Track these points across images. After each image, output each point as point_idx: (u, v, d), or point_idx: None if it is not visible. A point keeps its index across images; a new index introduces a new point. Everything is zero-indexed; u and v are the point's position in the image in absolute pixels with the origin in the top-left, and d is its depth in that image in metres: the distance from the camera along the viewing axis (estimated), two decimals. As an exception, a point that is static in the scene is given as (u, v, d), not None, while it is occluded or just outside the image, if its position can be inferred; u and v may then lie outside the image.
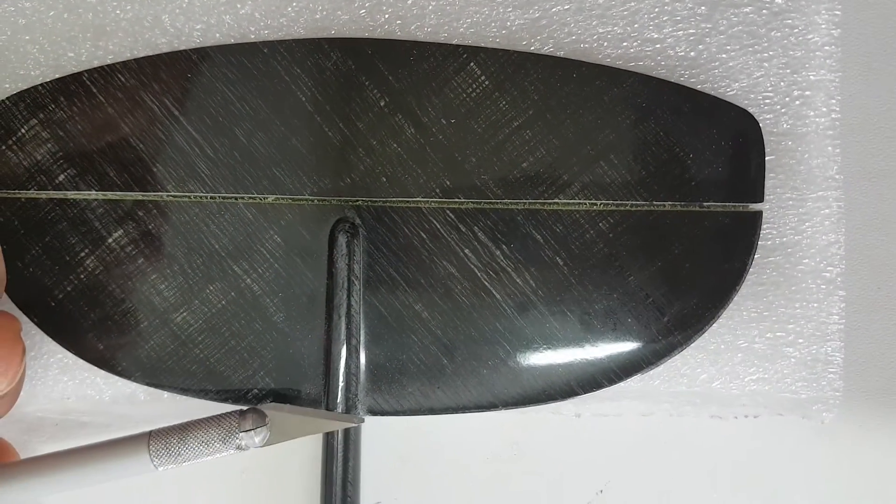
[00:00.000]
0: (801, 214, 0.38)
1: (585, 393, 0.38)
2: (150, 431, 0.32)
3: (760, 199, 0.39)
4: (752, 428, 0.40)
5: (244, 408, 0.33)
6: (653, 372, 0.38)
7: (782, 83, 0.38)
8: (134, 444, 0.31)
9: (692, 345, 0.38)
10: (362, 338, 0.38)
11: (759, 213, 0.39)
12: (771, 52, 0.38)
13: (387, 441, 0.41)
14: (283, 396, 0.40)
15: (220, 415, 0.33)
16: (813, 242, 0.38)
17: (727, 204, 0.39)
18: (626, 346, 0.39)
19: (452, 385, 0.39)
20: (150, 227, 0.38)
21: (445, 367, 0.39)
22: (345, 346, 0.39)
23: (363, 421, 0.35)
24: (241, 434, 0.32)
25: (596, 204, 0.39)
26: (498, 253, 0.39)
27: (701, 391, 0.38)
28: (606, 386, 0.39)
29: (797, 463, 0.40)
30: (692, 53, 0.38)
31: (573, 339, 0.39)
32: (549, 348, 0.39)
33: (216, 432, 0.32)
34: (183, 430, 0.32)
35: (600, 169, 0.39)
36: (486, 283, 0.39)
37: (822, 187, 0.38)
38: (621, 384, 0.38)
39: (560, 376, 0.39)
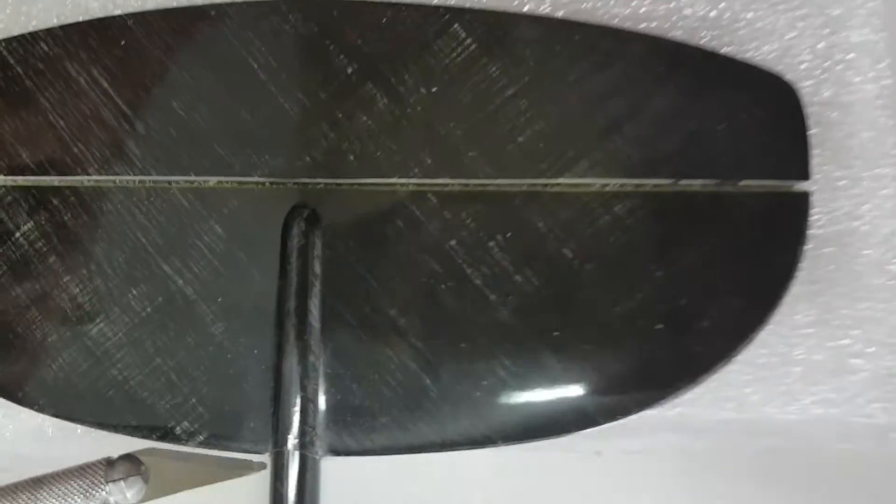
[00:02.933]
0: (856, 196, 0.33)
1: (607, 422, 0.31)
2: None
3: (806, 177, 0.32)
4: (817, 462, 0.34)
5: (113, 456, 0.29)
6: (690, 395, 0.32)
7: (820, 45, 0.34)
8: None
9: (737, 358, 0.31)
10: (322, 354, 0.31)
11: (806, 194, 0.32)
12: (805, 10, 0.34)
13: (352, 490, 0.32)
14: (221, 430, 0.31)
15: (84, 464, 0.28)
16: (874, 230, 0.33)
17: (768, 182, 0.31)
18: (656, 362, 0.31)
19: (438, 413, 0.32)
20: (65, 218, 0.33)
21: (429, 390, 0.31)
22: (300, 364, 0.31)
23: (262, 467, 0.30)
24: (108, 487, 0.28)
25: (609, 184, 0.32)
26: (492, 245, 0.32)
27: (752, 417, 0.32)
28: (633, 413, 0.31)
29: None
30: (713, 13, 0.34)
31: (589, 353, 0.31)
32: (560, 364, 0.31)
33: (77, 485, 0.28)
34: (35, 486, 0.28)
35: (612, 143, 0.32)
36: (478, 283, 0.31)
37: (878, 164, 0.33)
38: (652, 411, 0.31)
39: (574, 401, 0.31)
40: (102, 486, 0.28)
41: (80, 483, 0.28)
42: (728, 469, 0.34)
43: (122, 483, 0.28)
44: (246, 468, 0.30)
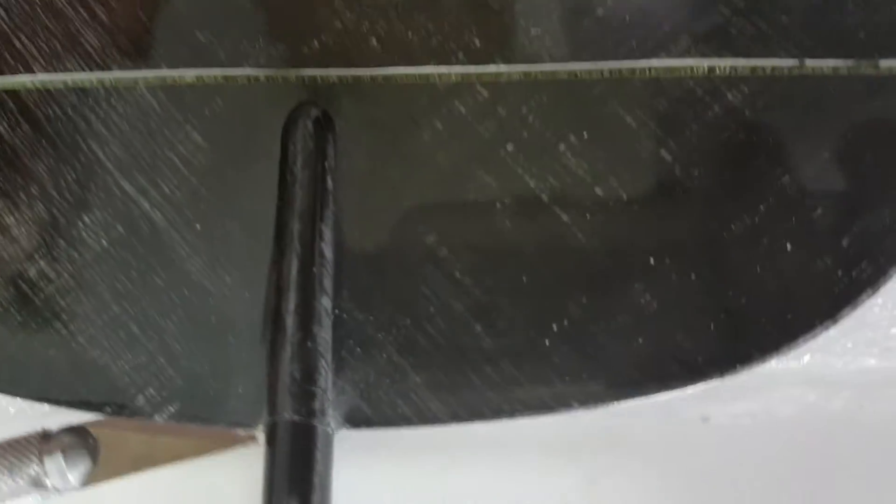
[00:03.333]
0: None
1: (721, 376, 0.24)
2: None
3: None
4: None
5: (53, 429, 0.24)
6: (822, 339, 0.24)
7: None
8: None
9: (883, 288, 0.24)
10: (337, 294, 0.24)
11: None
12: None
13: (375, 473, 0.26)
14: (199, 399, 0.24)
15: (13, 438, 0.23)
16: None
17: None
18: (785, 294, 0.24)
19: (494, 370, 0.24)
20: (1, 128, 0.26)
21: (480, 339, 0.24)
22: (306, 307, 0.23)
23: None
24: (42, 464, 0.22)
25: (717, 66, 0.24)
26: (563, 148, 0.24)
27: None
28: (757, 362, 0.24)
29: None
30: None
31: (695, 285, 0.24)
32: (656, 300, 0.23)
33: (3, 464, 0.23)
34: None
35: (720, 15, 0.25)
36: (545, 199, 0.23)
37: None
38: (771, 363, 0.24)
39: (677, 348, 0.24)
40: (34, 464, 0.22)
41: (7, 461, 0.23)
42: (870, 432, 0.27)
43: (60, 460, 0.23)
44: (231, 440, 0.23)
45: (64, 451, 0.23)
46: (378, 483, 0.27)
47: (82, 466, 0.23)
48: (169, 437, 0.24)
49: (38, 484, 0.22)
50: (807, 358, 0.25)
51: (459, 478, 0.27)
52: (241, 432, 0.24)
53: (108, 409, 0.24)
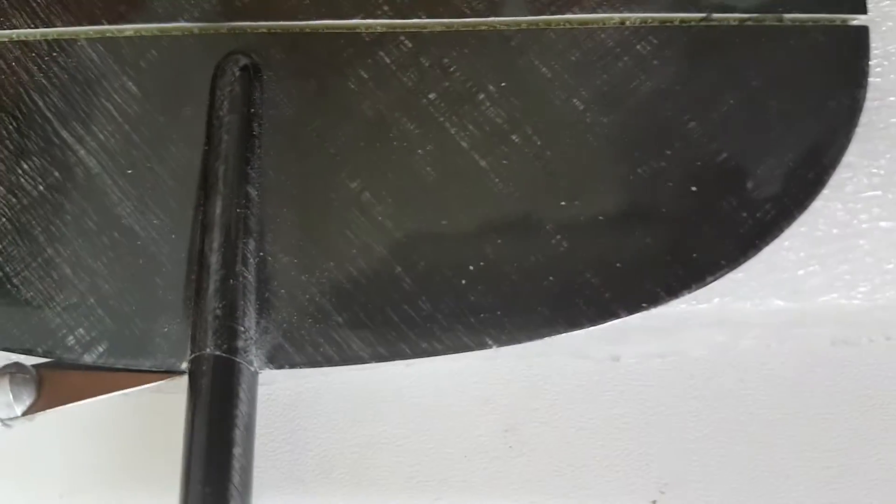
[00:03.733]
0: None
1: (629, 313, 0.24)
2: None
3: (863, 10, 0.26)
4: (891, 357, 0.26)
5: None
6: (729, 281, 0.25)
7: None
8: None
9: (790, 231, 0.24)
10: (261, 236, 0.24)
11: (864, 29, 0.26)
12: None
13: (302, 411, 0.24)
14: (127, 339, 0.24)
15: None
16: None
17: (818, 16, 0.24)
18: (689, 235, 0.24)
19: (413, 309, 0.24)
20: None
21: (401, 280, 0.24)
22: (230, 247, 0.23)
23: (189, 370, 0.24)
24: None
25: (628, 18, 0.24)
26: (482, 97, 0.25)
27: (807, 307, 0.25)
28: (662, 302, 0.24)
29: None
30: None
31: (605, 226, 0.24)
32: (567, 241, 0.23)
33: None
34: None
35: None
36: (465, 145, 0.24)
37: None
38: (681, 304, 0.24)
39: (587, 287, 0.24)
40: None
41: None
42: (777, 372, 0.27)
43: (8, 392, 0.23)
44: (164, 372, 0.23)
45: (11, 383, 0.23)
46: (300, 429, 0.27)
47: (27, 397, 0.23)
48: (104, 371, 0.24)
49: None
50: (716, 300, 0.25)
51: (380, 424, 0.27)
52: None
53: (40, 350, 0.24)
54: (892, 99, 0.27)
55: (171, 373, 0.24)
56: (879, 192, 0.26)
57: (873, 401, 0.26)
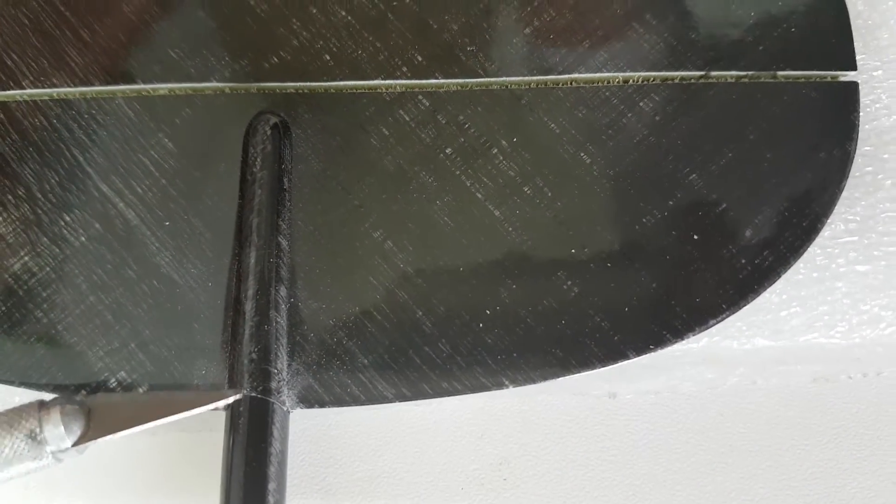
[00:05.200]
0: (893, 89, 0.29)
1: (638, 355, 0.26)
2: None
3: (852, 66, 0.28)
4: (869, 394, 0.28)
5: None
6: (724, 323, 0.26)
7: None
8: None
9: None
10: (291, 283, 0.25)
11: (854, 84, 0.28)
12: None
13: (328, 447, 0.25)
14: (166, 380, 0.26)
15: (12, 409, 0.24)
16: None
17: (809, 73, 0.26)
18: (693, 280, 0.25)
19: (433, 352, 0.26)
20: (-11, 137, 0.27)
21: (421, 324, 0.25)
22: (263, 294, 0.25)
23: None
24: (42, 429, 0.23)
25: (631, 78, 0.26)
26: (495, 152, 0.26)
27: (790, 345, 0.27)
28: (668, 344, 0.25)
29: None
30: None
31: (613, 273, 0.25)
32: (578, 287, 0.25)
33: (6, 433, 0.23)
34: None
35: (633, 32, 0.27)
36: (480, 197, 0.26)
37: None
38: (678, 345, 0.26)
39: (597, 331, 0.25)
40: (36, 429, 0.23)
41: (10, 429, 0.23)
42: (763, 407, 0.28)
43: (59, 423, 0.23)
44: (215, 397, 0.24)
45: (62, 414, 0.23)
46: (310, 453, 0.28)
47: (77, 428, 0.23)
48: (150, 397, 0.25)
49: (35, 446, 0.23)
50: (705, 339, 0.27)
51: (380, 459, 0.28)
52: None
53: (85, 392, 0.26)
54: (866, 148, 0.29)
55: (217, 399, 0.25)
56: (856, 238, 0.28)
57: (849, 433, 0.27)
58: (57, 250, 0.27)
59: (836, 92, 0.27)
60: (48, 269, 0.27)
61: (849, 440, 0.27)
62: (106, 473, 0.28)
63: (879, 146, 0.28)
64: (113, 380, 0.26)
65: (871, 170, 0.28)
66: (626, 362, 0.26)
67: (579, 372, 0.25)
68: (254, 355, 0.25)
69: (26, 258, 0.27)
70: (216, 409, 0.25)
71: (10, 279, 0.27)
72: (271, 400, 0.25)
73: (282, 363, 0.26)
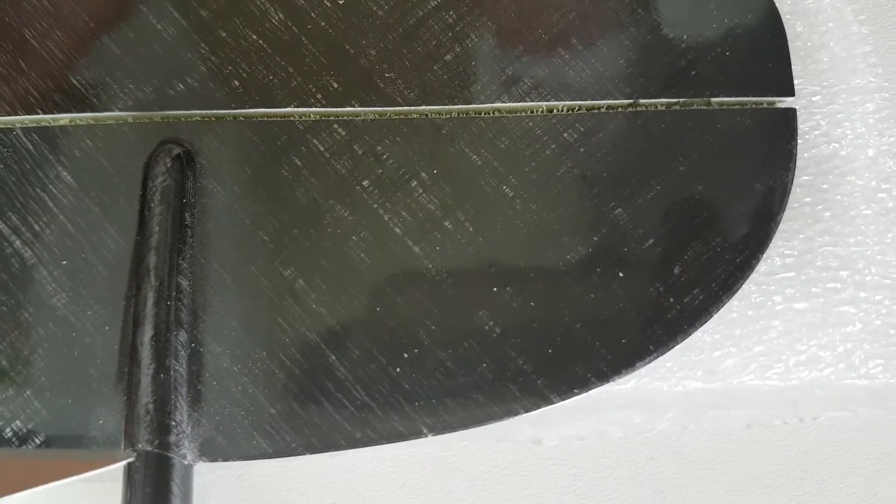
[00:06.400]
0: (833, 115, 0.28)
1: (562, 399, 0.24)
2: None
3: (790, 92, 0.26)
4: (805, 437, 0.26)
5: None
6: (653, 364, 0.25)
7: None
8: None
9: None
10: (193, 326, 0.23)
11: (793, 111, 0.26)
12: None
13: (235, 501, 0.24)
14: (63, 430, 0.24)
15: None
16: (856, 153, 0.28)
17: (745, 99, 0.25)
18: (619, 320, 0.24)
19: (346, 399, 0.24)
20: None
21: (334, 369, 0.24)
22: (160, 339, 0.23)
23: (133, 456, 0.23)
24: None
25: (556, 107, 0.25)
26: (415, 184, 0.25)
27: (723, 387, 0.26)
28: (593, 387, 0.24)
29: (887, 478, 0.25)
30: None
31: (536, 313, 0.24)
32: (500, 328, 0.23)
33: None
34: None
35: (558, 58, 0.26)
36: (398, 232, 0.24)
37: (856, 76, 0.28)
38: (605, 387, 0.25)
39: (521, 374, 0.23)
40: None
41: None
42: (695, 452, 0.27)
43: None
44: (108, 459, 0.23)
45: None
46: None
47: None
48: (41, 459, 0.24)
49: None
50: (633, 381, 0.25)
51: None
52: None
53: None
54: (805, 178, 0.27)
55: (109, 461, 0.24)
56: (793, 273, 0.26)
57: (787, 478, 0.26)
58: (-53, 292, 0.25)
59: (773, 119, 0.26)
60: (-64, 313, 0.25)
61: (787, 485, 0.26)
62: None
63: (818, 175, 0.27)
64: (8, 429, 0.24)
65: (810, 200, 0.27)
66: (550, 407, 0.24)
67: (501, 419, 0.24)
68: (150, 406, 0.24)
69: (-88, 301, 0.25)
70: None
71: None
72: (170, 454, 0.23)
73: (181, 414, 0.24)
